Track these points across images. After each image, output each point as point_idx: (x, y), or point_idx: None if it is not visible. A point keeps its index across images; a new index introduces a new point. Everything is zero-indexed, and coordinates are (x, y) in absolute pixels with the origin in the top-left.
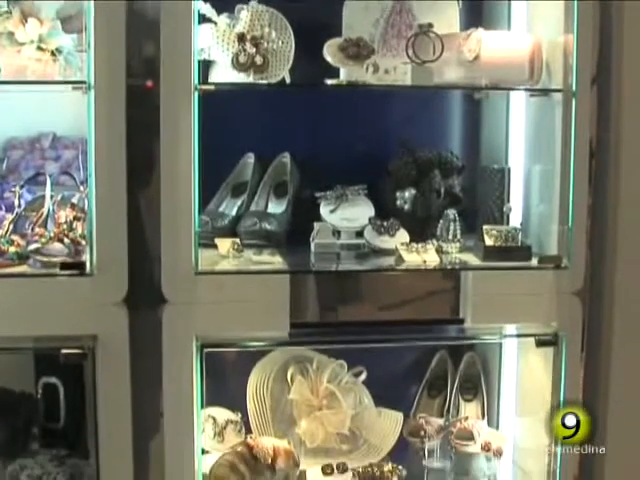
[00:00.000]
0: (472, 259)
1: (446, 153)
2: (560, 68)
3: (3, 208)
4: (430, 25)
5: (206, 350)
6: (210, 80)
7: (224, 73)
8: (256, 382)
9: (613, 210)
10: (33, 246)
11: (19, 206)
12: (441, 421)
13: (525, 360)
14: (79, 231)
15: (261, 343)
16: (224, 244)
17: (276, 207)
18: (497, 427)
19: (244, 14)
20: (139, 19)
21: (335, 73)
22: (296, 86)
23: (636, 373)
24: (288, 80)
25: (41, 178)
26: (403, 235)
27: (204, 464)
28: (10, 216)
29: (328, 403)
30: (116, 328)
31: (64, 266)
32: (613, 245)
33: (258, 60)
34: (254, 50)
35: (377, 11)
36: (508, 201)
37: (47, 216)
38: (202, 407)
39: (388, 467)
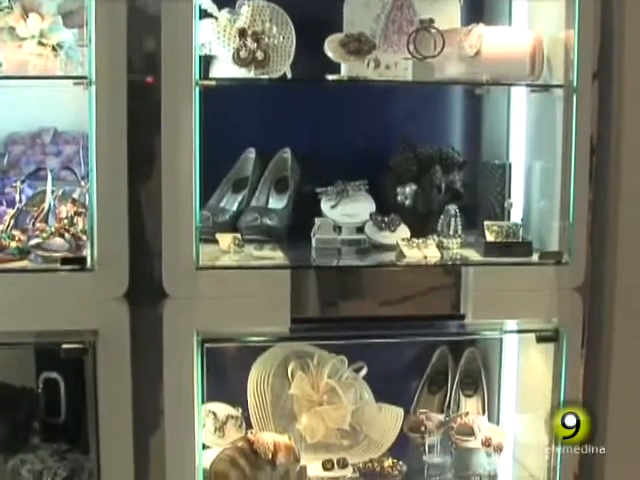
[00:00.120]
0: (473, 255)
1: (447, 149)
2: (561, 64)
3: (4, 203)
4: (431, 20)
5: (207, 345)
6: (211, 75)
7: (225, 68)
8: (257, 377)
9: (614, 206)
10: (34, 241)
11: (20, 201)
12: (441, 417)
13: (525, 356)
14: (80, 226)
15: (262, 338)
16: (225, 239)
17: (277, 202)
18: (497, 423)
19: (245, 9)
20: (140, 14)
21: (336, 69)
22: (297, 81)
23: (636, 369)
24: (289, 75)
25: (42, 173)
26: (404, 230)
27: (205, 459)
28: (11, 211)
29: (329, 398)
30: (117, 323)
31: (65, 261)
32: (614, 241)
33: (259, 55)
34: (255, 45)
35: (378, 7)
36: (509, 197)
37: (48, 211)
38: (203, 402)
39: (388, 462)
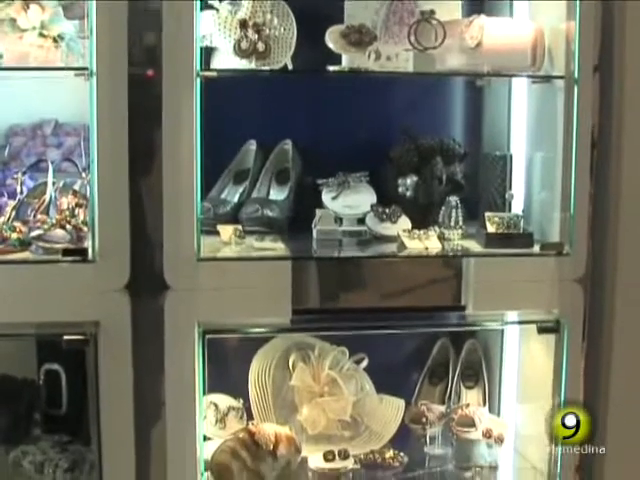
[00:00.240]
0: (474, 246)
1: (448, 140)
2: (562, 55)
3: (5, 195)
4: (432, 12)
5: (208, 336)
6: (212, 67)
7: (226, 60)
8: (258, 369)
9: (615, 197)
10: (35, 232)
11: (21, 193)
12: (442, 408)
13: (526, 347)
14: (81, 218)
15: (263, 329)
16: (226, 231)
17: (278, 194)
18: (498, 414)
19: (246, 1)
20: (141, 5)
21: (337, 60)
22: (298, 73)
23: (637, 360)
24: (290, 67)
25: (43, 165)
26: (405, 222)
27: (206, 450)
28: (12, 203)
29: (330, 390)
30: (118, 314)
31: (66, 252)
32: (615, 232)
33: (260, 47)
34: (256, 37)
35: None
36: (510, 188)
37: (49, 203)
38: (204, 393)
39: (389, 454)
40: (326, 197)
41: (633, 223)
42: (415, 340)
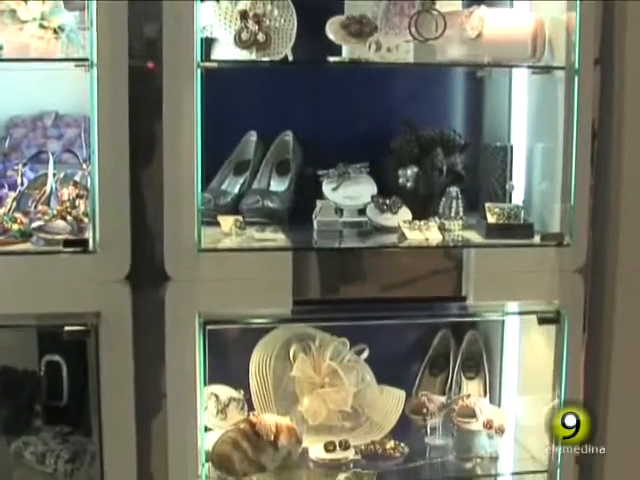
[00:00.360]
0: (474, 237)
1: (448, 131)
2: (563, 46)
3: (6, 186)
4: (433, 3)
5: (209, 327)
6: (212, 58)
7: (226, 51)
8: (259, 360)
9: (615, 188)
10: (36, 224)
11: (22, 184)
12: (443, 399)
13: (527, 338)
14: (82, 209)
15: (264, 320)
16: (227, 222)
17: (278, 185)
18: (499, 405)
19: None
20: None
21: (337, 51)
22: (298, 64)
23: (638, 351)
24: (290, 58)
25: (44, 156)
26: (405, 213)
27: (207, 441)
28: (13, 194)
29: (330, 381)
30: (119, 305)
31: (67, 243)
32: (615, 223)
33: (260, 37)
34: (256, 27)
35: None
36: (510, 179)
37: (50, 194)
38: (205, 384)
39: (390, 444)
40: (326, 188)
41: (633, 214)
42: (416, 331)
